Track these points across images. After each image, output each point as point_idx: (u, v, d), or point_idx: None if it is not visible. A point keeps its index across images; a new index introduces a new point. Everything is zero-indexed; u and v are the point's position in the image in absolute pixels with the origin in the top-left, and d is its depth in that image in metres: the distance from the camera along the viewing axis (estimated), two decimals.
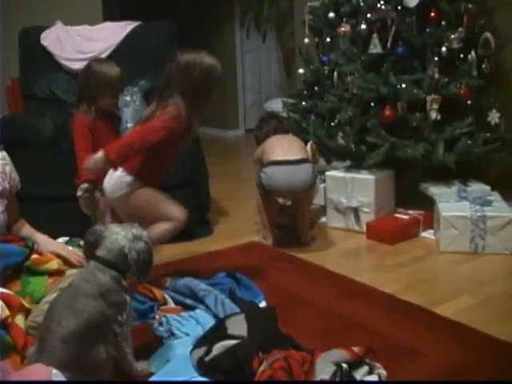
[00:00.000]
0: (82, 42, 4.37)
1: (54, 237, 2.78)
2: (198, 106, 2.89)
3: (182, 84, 2.84)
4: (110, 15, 5.92)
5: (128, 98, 4.08)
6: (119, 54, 4.29)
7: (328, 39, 4.39)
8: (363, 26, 4.02)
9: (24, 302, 2.32)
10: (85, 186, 3.19)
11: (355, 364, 2.16)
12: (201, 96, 2.88)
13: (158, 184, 3.01)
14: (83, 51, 4.27)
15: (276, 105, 5.59)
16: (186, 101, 2.84)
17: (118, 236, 2.17)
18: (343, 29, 4.11)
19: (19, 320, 2.25)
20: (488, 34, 4.03)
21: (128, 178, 2.90)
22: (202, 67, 2.84)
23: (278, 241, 3.80)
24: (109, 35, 4.41)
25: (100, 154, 2.70)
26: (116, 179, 2.91)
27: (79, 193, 3.20)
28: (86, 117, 3.23)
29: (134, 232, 2.20)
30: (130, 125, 3.97)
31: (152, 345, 2.49)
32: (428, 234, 3.84)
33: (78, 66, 4.07)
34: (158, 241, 2.88)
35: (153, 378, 2.25)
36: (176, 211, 2.95)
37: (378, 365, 2.20)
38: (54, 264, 2.52)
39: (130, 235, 2.18)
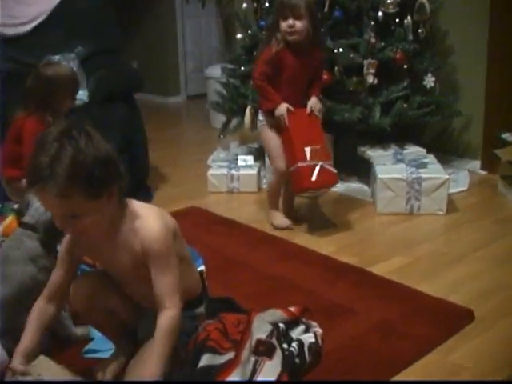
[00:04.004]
0: (14, 6, 4.17)
1: None
2: None
3: None
4: None
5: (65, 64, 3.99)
6: (54, 19, 4.17)
7: (266, 4, 4.37)
8: None
9: None
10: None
11: (292, 323, 2.21)
12: None
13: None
14: (15, 16, 4.10)
15: (217, 71, 5.54)
16: None
17: None
18: None
19: None
20: None
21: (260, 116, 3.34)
22: None
23: None
24: None
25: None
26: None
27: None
28: (40, 124, 2.94)
29: None
30: None
31: None
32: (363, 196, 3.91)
33: (11, 31, 3.99)
34: (269, 192, 3.50)
35: (91, 344, 2.25)
36: (277, 163, 3.30)
37: (313, 323, 2.26)
38: None
39: None
